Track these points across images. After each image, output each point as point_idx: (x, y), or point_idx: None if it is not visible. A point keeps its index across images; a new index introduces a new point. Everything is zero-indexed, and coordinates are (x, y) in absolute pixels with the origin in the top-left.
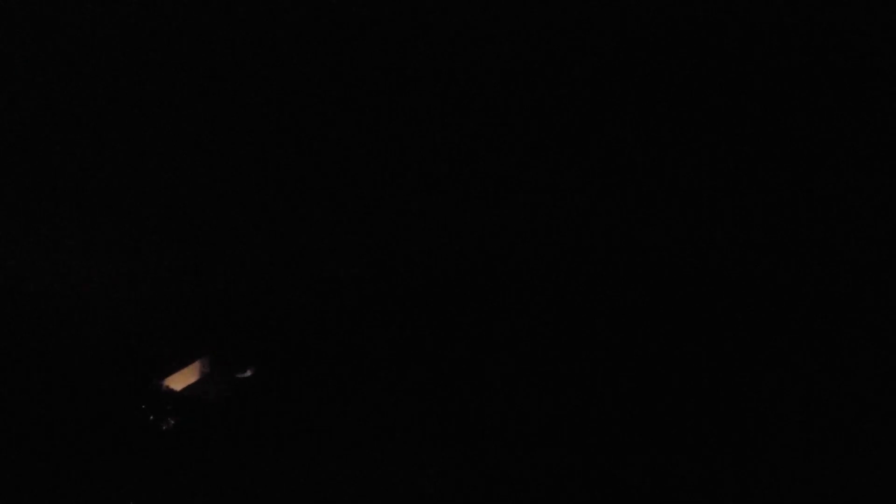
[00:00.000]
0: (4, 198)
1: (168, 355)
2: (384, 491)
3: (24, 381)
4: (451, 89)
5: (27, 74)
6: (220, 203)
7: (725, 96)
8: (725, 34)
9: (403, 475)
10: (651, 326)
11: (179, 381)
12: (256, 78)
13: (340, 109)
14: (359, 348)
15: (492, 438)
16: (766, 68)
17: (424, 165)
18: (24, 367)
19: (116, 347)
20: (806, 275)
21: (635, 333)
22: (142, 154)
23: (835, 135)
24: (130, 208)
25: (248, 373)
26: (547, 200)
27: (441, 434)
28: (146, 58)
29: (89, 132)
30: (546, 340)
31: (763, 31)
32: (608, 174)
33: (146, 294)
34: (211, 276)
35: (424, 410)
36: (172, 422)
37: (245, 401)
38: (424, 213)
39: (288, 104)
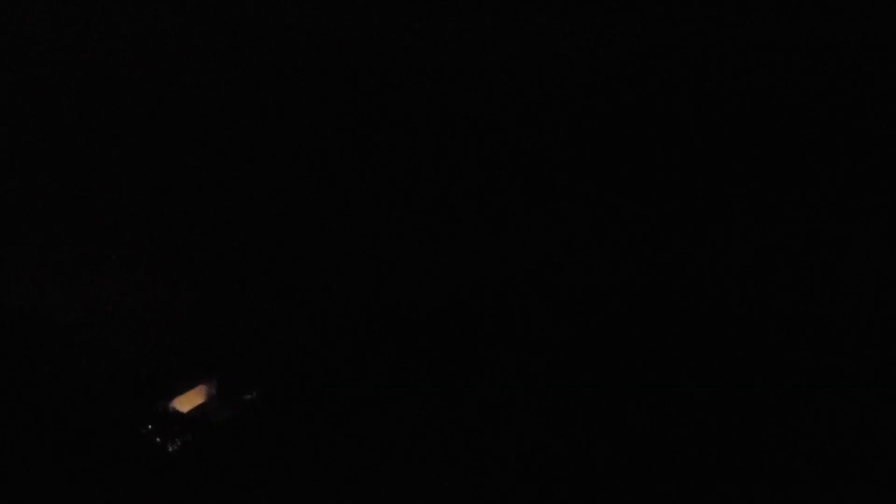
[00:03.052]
0: (14, 222)
1: (175, 377)
2: None
3: (33, 402)
4: (464, 103)
5: (37, 86)
6: (227, 228)
7: (730, 107)
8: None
9: (409, 497)
10: (651, 328)
11: (186, 402)
12: (277, 104)
13: (354, 137)
14: (364, 370)
15: (507, 465)
16: (767, 73)
17: (438, 188)
18: (32, 388)
19: (124, 369)
20: (806, 276)
21: (637, 337)
22: (151, 181)
23: (834, 137)
24: (139, 233)
25: (254, 394)
26: (548, 205)
27: (448, 456)
28: (155, 79)
29: (100, 162)
30: (548, 345)
31: (764, 39)
32: (611, 181)
33: (153, 317)
34: (217, 300)
35: (430, 431)
36: (179, 442)
37: (251, 422)
38: (432, 235)
39: (304, 130)
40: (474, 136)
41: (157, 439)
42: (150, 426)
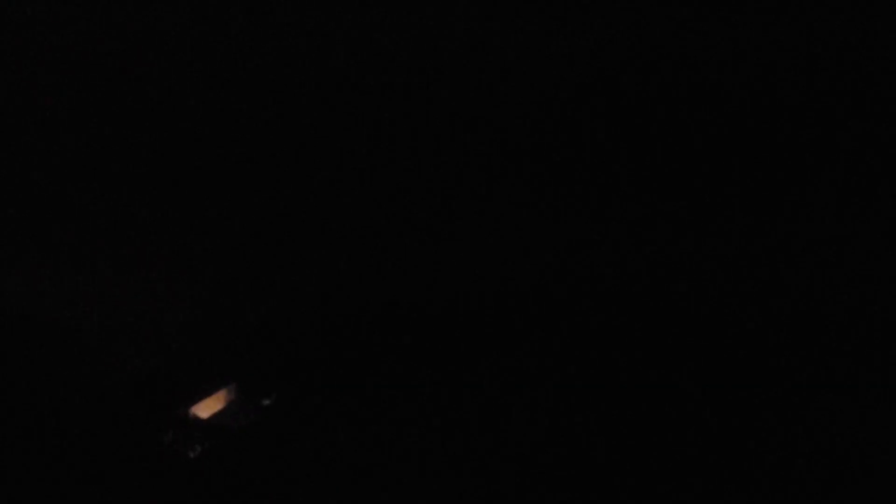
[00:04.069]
0: (29, 230)
1: (194, 384)
2: None
3: (51, 409)
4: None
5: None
6: (246, 231)
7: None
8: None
9: (434, 499)
10: (652, 329)
11: (206, 408)
12: (295, 112)
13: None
14: (384, 375)
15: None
16: (767, 74)
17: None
18: (50, 395)
19: (143, 375)
20: (806, 276)
21: (638, 337)
22: (170, 185)
23: (835, 137)
24: (156, 238)
25: (274, 400)
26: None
27: (471, 461)
28: (175, 84)
29: (120, 167)
30: (551, 346)
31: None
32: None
33: (172, 322)
34: (236, 304)
35: (452, 436)
36: (199, 449)
37: (271, 428)
38: (448, 237)
39: (327, 137)
40: (482, 135)
41: (178, 446)
42: (170, 433)
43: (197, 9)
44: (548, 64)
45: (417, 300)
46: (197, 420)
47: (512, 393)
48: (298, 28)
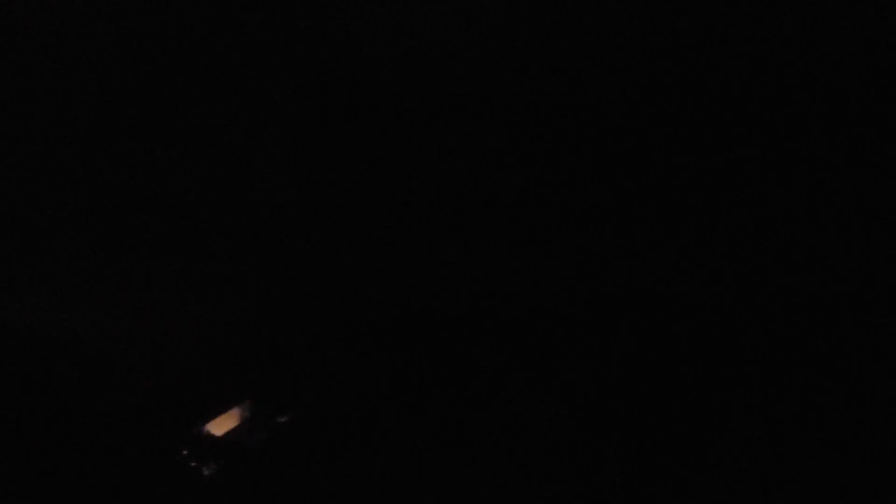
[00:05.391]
0: (38, 245)
1: (208, 401)
2: None
3: (64, 425)
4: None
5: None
6: (260, 251)
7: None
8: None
9: None
10: (653, 329)
11: (220, 426)
12: (318, 131)
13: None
14: (400, 393)
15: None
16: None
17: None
18: (62, 411)
19: (157, 392)
20: (806, 275)
21: (640, 338)
22: (180, 197)
23: (835, 137)
24: (168, 254)
25: (288, 417)
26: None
27: (490, 478)
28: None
29: (128, 182)
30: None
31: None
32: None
33: (186, 338)
34: (251, 321)
35: (468, 454)
36: (214, 466)
37: (286, 445)
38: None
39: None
40: (489, 136)
41: (192, 463)
42: (184, 450)
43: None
44: (578, 66)
45: (436, 316)
46: (211, 437)
47: (524, 401)
48: (299, 27)
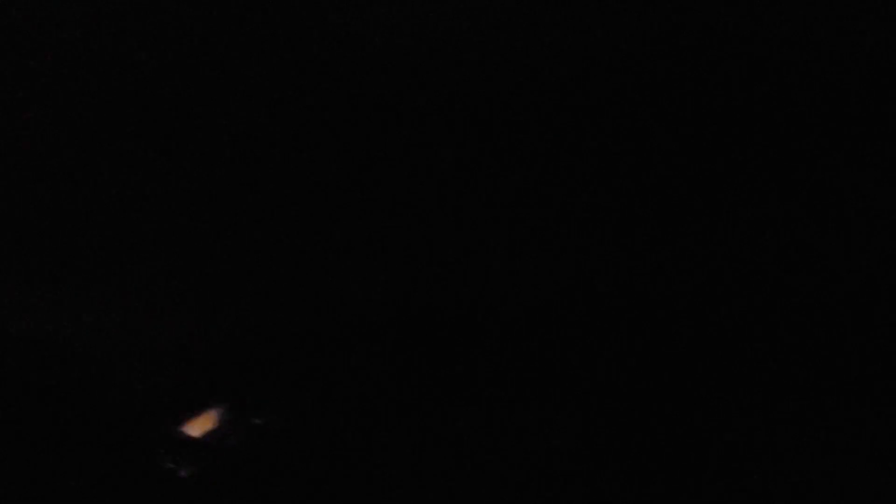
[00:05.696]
0: (22, 246)
1: (184, 402)
2: None
3: (41, 426)
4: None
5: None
6: (237, 251)
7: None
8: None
9: None
10: (654, 330)
11: (197, 427)
12: (315, 131)
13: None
14: (383, 393)
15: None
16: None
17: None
18: (40, 413)
19: (133, 393)
20: (805, 276)
21: (640, 338)
22: (156, 198)
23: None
24: (143, 255)
25: (267, 418)
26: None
27: (478, 485)
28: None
29: (113, 178)
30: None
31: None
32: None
33: (162, 339)
34: (228, 321)
35: (451, 452)
36: (190, 467)
37: (263, 447)
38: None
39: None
40: (492, 138)
41: (169, 464)
42: (161, 451)
43: (195, 7)
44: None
45: (419, 316)
46: (188, 439)
47: (524, 402)
48: (299, 27)
